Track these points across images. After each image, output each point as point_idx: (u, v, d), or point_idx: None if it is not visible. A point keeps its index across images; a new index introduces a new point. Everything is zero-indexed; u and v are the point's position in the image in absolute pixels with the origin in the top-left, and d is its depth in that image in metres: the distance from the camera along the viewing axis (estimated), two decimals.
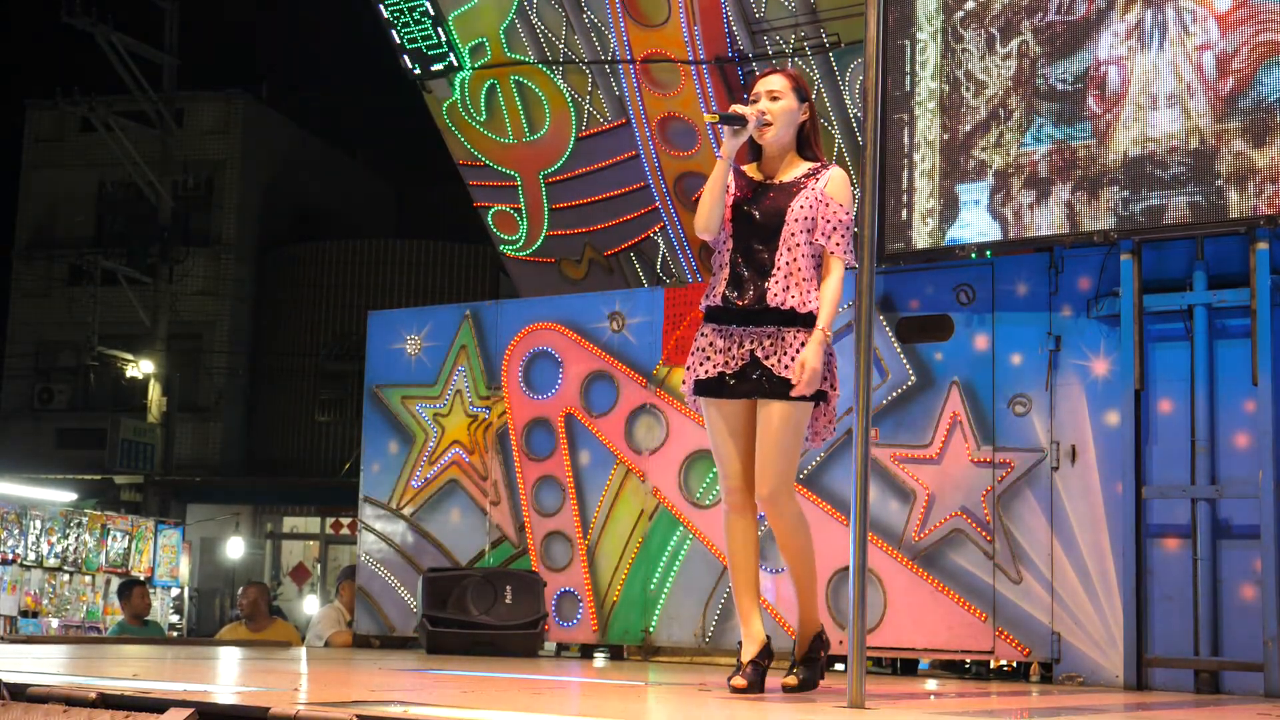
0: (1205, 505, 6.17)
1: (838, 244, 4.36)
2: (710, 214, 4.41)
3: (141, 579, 12.63)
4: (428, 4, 9.92)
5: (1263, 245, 6.06)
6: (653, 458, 7.65)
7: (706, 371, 4.40)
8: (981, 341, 6.78)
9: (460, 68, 10.05)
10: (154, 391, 23.23)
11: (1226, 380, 6.22)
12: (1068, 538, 6.46)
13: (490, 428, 8.18)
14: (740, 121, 4.35)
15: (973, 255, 6.73)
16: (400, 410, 8.48)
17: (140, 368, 23.28)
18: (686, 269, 9.84)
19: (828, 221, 4.37)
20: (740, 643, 4.43)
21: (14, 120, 26.40)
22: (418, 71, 10.15)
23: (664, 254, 9.93)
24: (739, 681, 4.25)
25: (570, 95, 9.87)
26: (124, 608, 10.67)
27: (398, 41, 10.10)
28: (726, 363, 4.37)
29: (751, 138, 4.43)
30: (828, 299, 4.34)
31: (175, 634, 14.87)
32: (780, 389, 4.30)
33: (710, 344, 4.42)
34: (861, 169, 4.05)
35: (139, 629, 10.32)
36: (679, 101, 9.42)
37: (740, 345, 4.36)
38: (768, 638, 4.40)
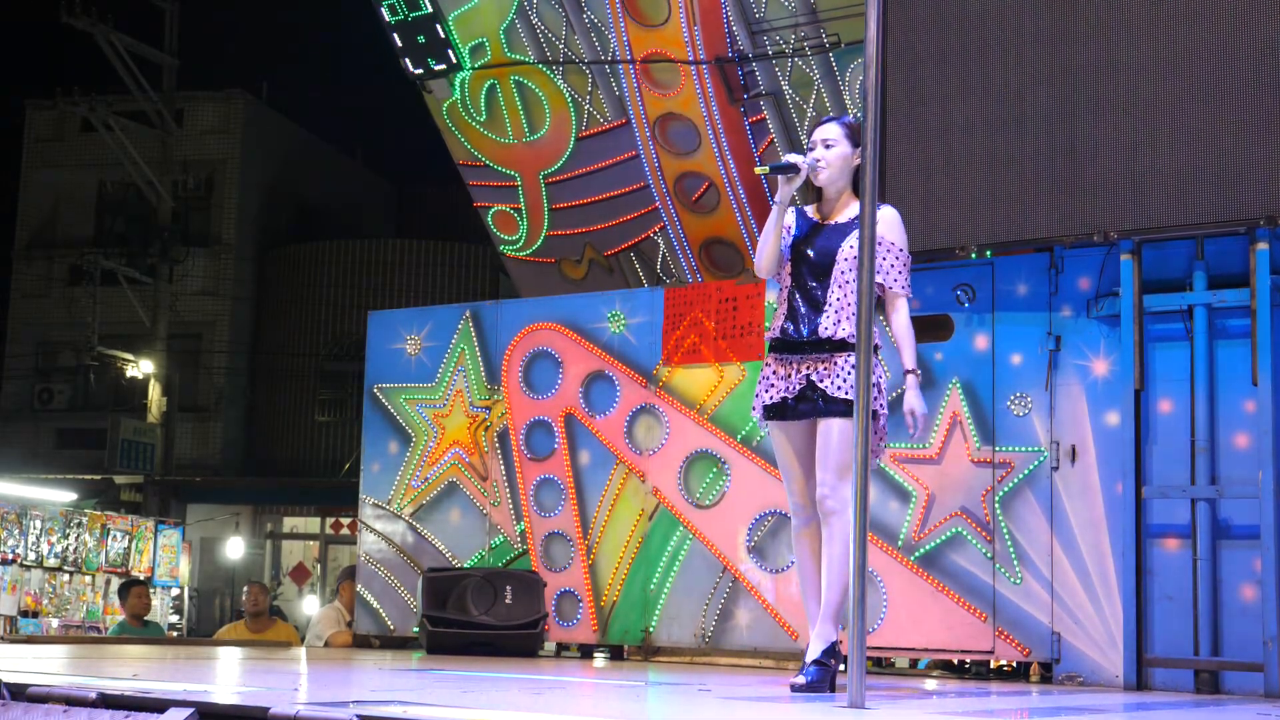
0: (1205, 505, 6.17)
1: (895, 279, 4.77)
2: (767, 256, 4.81)
3: (141, 579, 12.63)
4: (428, 4, 9.92)
5: (1263, 245, 6.05)
6: (653, 458, 7.65)
7: (771, 398, 4.79)
8: (981, 341, 6.78)
9: (460, 68, 10.05)
10: (154, 391, 23.22)
11: (1226, 380, 6.21)
12: (1068, 538, 6.46)
13: (490, 428, 8.18)
14: (792, 169, 4.71)
15: (973, 255, 6.73)
16: (400, 410, 8.48)
17: (140, 368, 23.27)
18: (686, 269, 9.84)
19: (883, 259, 4.71)
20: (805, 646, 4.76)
21: (14, 120, 26.43)
22: (418, 72, 10.15)
23: (664, 254, 9.93)
24: (799, 680, 4.53)
25: (570, 95, 9.87)
26: (123, 608, 10.68)
27: (398, 42, 10.10)
28: (788, 388, 4.75)
29: (810, 181, 4.79)
30: (906, 338, 4.77)
31: (175, 634, 14.87)
32: (834, 408, 4.65)
33: (774, 372, 4.81)
34: (862, 169, 4.06)
35: (139, 629, 10.32)
36: (679, 101, 9.42)
37: (798, 371, 4.74)
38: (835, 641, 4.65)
